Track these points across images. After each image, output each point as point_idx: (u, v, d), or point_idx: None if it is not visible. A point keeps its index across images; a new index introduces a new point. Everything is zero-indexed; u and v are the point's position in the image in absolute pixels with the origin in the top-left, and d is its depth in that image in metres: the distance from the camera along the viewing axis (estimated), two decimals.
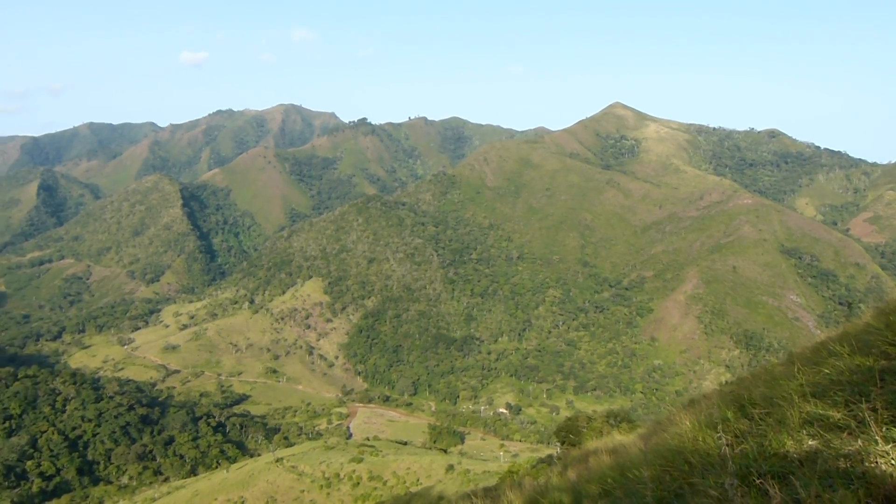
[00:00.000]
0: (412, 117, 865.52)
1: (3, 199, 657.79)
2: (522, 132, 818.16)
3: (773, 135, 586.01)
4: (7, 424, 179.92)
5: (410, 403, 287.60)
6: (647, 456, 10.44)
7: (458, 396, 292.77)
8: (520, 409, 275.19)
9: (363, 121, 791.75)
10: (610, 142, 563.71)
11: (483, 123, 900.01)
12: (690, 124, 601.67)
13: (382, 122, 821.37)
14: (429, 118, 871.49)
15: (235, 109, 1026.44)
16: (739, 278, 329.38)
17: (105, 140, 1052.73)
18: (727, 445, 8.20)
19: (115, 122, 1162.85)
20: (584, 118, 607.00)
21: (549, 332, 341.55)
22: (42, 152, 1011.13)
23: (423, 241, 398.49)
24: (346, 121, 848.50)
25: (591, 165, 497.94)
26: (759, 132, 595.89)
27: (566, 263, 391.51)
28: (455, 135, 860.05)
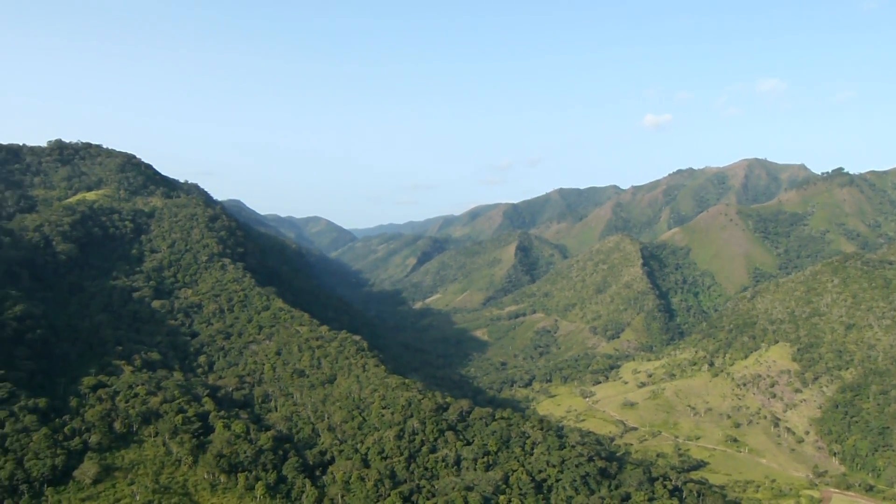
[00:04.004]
0: None
1: (488, 258, 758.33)
2: None
3: None
4: (486, 459, 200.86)
5: None
6: None
7: None
8: None
9: (839, 171, 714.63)
10: None
11: None
12: None
13: (863, 171, 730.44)
14: None
15: (695, 168, 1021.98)
16: None
17: (573, 204, 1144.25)
18: None
19: (581, 187, 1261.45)
20: None
21: None
22: (519, 217, 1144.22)
23: None
24: (818, 172, 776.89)
25: None
26: None
27: None
28: None
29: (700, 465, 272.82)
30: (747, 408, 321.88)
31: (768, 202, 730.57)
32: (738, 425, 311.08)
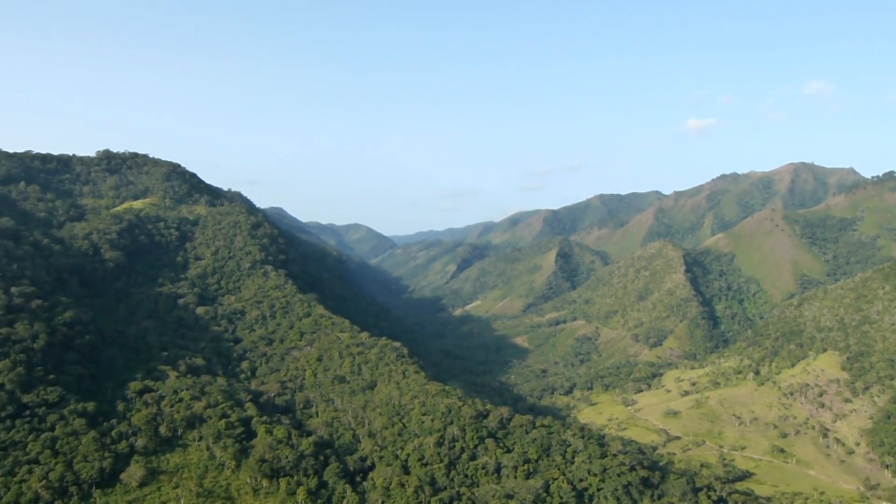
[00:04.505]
0: None
1: (528, 265, 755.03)
2: None
3: None
4: (526, 467, 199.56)
5: None
6: None
7: None
8: None
9: (889, 174, 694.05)
10: None
11: None
12: None
13: None
14: None
15: (739, 172, 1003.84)
16: None
17: (614, 210, 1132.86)
18: None
19: (622, 193, 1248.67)
20: None
21: None
22: (560, 223, 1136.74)
23: None
24: (868, 176, 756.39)
25: None
26: None
27: None
28: None
29: (745, 475, 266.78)
30: (794, 417, 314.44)
31: (816, 207, 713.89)
32: (784, 435, 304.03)
